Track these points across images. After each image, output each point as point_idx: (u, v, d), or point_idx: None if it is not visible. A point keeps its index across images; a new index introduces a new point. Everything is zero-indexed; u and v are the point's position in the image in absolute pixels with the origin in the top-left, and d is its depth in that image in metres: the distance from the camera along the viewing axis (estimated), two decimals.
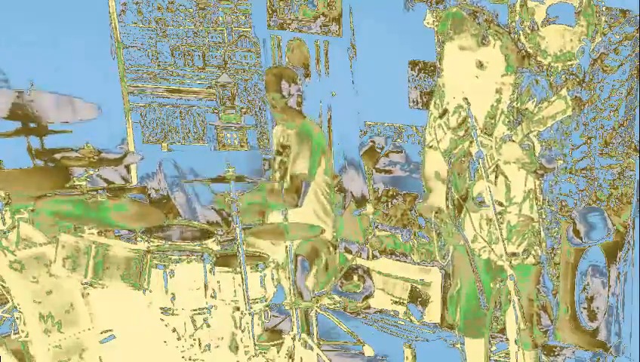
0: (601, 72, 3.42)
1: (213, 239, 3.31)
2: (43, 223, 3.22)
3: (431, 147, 2.97)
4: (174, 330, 3.05)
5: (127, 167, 4.79)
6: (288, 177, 3.79)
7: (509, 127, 2.76)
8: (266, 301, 3.25)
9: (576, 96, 3.47)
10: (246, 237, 3.25)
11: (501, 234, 2.51)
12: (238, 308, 3.14)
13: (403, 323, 4.32)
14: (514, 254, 2.81)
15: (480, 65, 2.74)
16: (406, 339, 4.04)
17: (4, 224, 3.07)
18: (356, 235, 4.59)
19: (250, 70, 4.97)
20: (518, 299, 2.43)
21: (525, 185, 2.82)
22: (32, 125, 3.56)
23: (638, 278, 3.49)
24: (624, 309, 3.56)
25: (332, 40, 4.48)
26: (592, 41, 3.39)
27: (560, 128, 3.56)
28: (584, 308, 3.66)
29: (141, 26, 4.82)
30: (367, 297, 4.48)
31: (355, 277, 4.47)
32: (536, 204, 2.85)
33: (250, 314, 3.06)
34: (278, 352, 3.35)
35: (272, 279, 3.27)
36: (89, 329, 3.04)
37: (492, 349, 3.73)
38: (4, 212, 3.08)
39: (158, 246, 3.16)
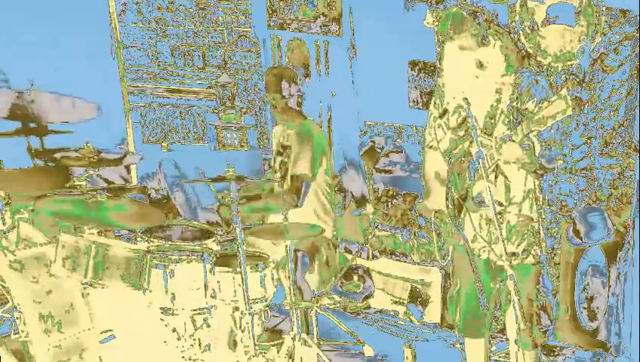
0: (601, 72, 3.42)
1: (213, 239, 3.31)
2: (43, 223, 3.22)
3: (431, 147, 2.97)
4: (174, 330, 3.04)
5: (127, 167, 4.79)
6: (289, 178, 3.79)
7: (508, 126, 2.76)
8: (266, 301, 3.26)
9: (576, 96, 3.47)
10: (246, 237, 3.25)
11: (501, 234, 2.51)
12: (237, 308, 3.15)
13: (403, 323, 4.32)
14: (513, 254, 2.81)
15: (480, 65, 2.74)
16: (406, 339, 4.04)
17: (4, 224, 3.07)
18: (356, 235, 4.59)
19: (250, 70, 4.97)
20: (518, 299, 2.43)
21: (525, 185, 2.82)
22: (32, 125, 3.57)
23: (638, 278, 3.49)
24: (624, 309, 3.56)
25: (332, 40, 4.48)
26: (592, 41, 3.39)
27: (560, 128, 3.56)
28: (584, 308, 3.66)
29: (141, 26, 4.82)
30: (367, 297, 4.48)
31: (355, 277, 4.47)
32: (536, 203, 2.85)
33: (250, 314, 3.06)
34: (278, 352, 3.35)
35: (272, 279, 3.27)
36: (89, 329, 3.04)
37: (492, 349, 3.73)
38: (4, 212, 3.08)
39: (158, 246, 3.16)
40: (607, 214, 3.53)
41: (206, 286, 3.06)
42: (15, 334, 2.90)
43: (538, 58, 3.52)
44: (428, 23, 3.78)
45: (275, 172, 3.93)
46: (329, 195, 3.91)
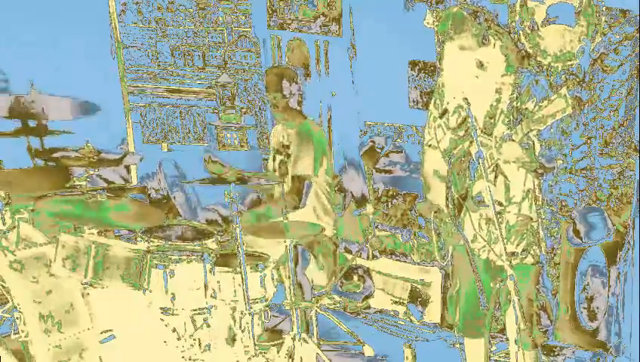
0: (601, 72, 3.42)
1: (213, 239, 3.31)
2: (43, 223, 3.22)
3: (430, 146, 2.97)
4: (174, 330, 3.04)
5: (127, 167, 4.79)
6: (289, 178, 3.79)
7: (508, 126, 2.76)
8: (266, 301, 3.25)
9: (576, 96, 3.47)
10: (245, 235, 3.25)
11: (501, 234, 2.51)
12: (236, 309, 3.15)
13: (403, 323, 4.32)
14: (513, 254, 2.81)
15: (480, 65, 2.74)
16: (406, 339, 4.04)
17: (4, 224, 3.07)
18: (356, 235, 4.59)
19: (250, 70, 4.97)
20: (518, 299, 2.43)
21: (524, 184, 2.82)
22: (32, 125, 3.57)
23: (638, 278, 3.49)
24: (624, 309, 3.56)
25: (332, 40, 4.48)
26: (592, 41, 3.39)
27: (560, 128, 3.56)
28: (584, 308, 3.66)
29: (141, 26, 4.82)
30: (367, 297, 4.48)
31: (355, 277, 4.47)
32: (535, 203, 2.85)
33: (250, 314, 3.06)
34: (278, 352, 3.35)
35: (272, 279, 3.27)
36: (89, 329, 3.04)
37: (492, 349, 3.73)
38: (4, 212, 3.08)
39: (158, 246, 3.16)
40: (607, 214, 3.53)
41: (206, 286, 3.06)
42: (15, 334, 2.90)
43: (538, 58, 3.52)
44: (428, 23, 3.77)
45: (275, 171, 3.93)
46: (329, 195, 3.91)
